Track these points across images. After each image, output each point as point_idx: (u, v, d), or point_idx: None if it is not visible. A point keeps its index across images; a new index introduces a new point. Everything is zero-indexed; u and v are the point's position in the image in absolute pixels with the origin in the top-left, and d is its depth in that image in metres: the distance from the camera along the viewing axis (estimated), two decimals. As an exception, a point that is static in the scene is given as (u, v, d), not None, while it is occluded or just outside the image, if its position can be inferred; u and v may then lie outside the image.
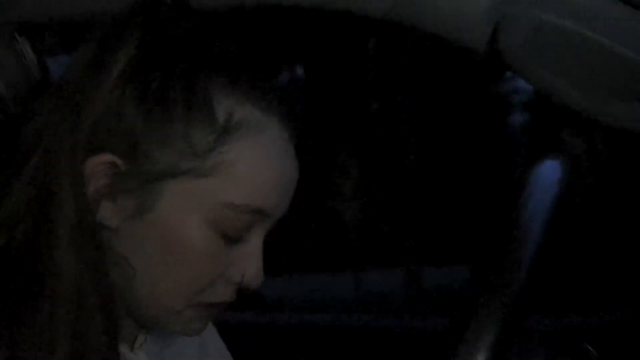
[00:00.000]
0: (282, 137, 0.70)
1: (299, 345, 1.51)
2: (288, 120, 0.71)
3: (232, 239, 0.69)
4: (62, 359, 0.63)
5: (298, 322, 1.55)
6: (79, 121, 0.67)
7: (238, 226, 0.68)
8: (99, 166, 0.67)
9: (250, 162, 0.68)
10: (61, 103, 0.68)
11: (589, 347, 0.91)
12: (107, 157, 0.67)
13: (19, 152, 0.68)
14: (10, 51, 1.00)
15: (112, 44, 0.68)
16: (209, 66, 0.69)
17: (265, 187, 0.68)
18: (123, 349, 0.73)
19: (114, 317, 0.68)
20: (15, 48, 1.00)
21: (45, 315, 0.64)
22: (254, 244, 0.71)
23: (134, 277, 0.68)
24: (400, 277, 4.92)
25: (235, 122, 0.67)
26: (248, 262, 0.70)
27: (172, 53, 0.68)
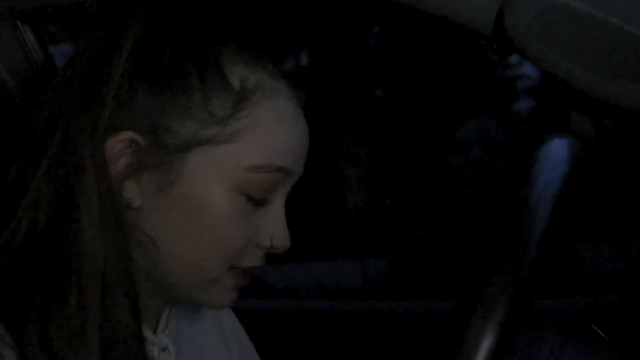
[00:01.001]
0: (292, 99, 0.73)
1: (308, 331, 1.51)
2: (294, 85, 0.73)
3: (257, 202, 0.71)
4: (92, 342, 0.63)
5: (306, 308, 1.55)
6: (95, 103, 0.67)
7: (262, 188, 0.70)
8: (119, 145, 0.68)
9: (268, 124, 0.70)
10: (75, 88, 0.68)
11: (598, 330, 0.91)
12: (127, 134, 0.68)
13: (34, 139, 0.68)
14: (13, 39, 1.00)
15: (118, 25, 0.68)
16: (217, 36, 0.70)
17: (284, 146, 0.71)
18: (146, 332, 0.73)
19: (138, 299, 0.68)
20: (18, 36, 1.00)
21: (74, 299, 0.64)
22: (278, 207, 0.73)
23: (164, 251, 0.69)
24: (405, 264, 4.92)
25: (250, 87, 0.69)
26: (275, 225, 0.72)
27: (179, 26, 0.69)
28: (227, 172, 0.69)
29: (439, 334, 0.66)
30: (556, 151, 0.70)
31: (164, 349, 0.76)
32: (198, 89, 0.68)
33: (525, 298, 0.67)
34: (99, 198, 0.66)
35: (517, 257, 0.66)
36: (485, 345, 0.66)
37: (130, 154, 0.68)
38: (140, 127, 0.68)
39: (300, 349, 1.49)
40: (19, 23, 0.99)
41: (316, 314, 1.52)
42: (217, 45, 0.69)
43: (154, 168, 0.68)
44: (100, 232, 0.66)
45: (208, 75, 0.68)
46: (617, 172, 0.97)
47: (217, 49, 0.69)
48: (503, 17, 0.77)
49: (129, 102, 0.68)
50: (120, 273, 0.66)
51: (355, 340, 1.47)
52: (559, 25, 0.74)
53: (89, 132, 0.67)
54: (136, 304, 0.68)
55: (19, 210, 0.66)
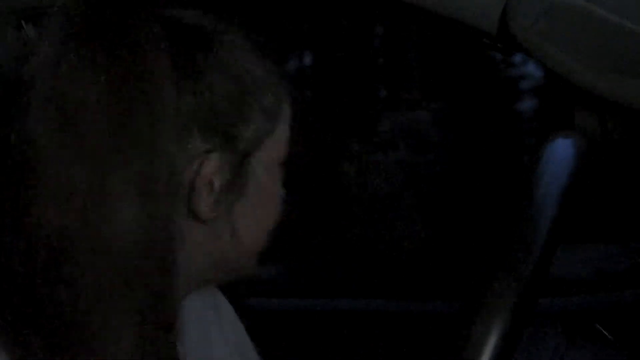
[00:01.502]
0: None
1: (309, 329, 1.51)
2: None
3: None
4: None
5: (307, 306, 1.55)
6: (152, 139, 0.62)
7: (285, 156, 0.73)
8: (210, 170, 0.66)
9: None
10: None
11: (602, 329, 0.90)
12: (215, 157, 0.66)
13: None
14: (17, 39, 1.00)
15: (140, 51, 0.62)
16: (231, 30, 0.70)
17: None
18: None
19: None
20: (22, 36, 1.00)
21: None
22: None
23: (236, 239, 0.70)
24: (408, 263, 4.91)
25: (278, 77, 0.71)
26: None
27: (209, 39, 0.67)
28: (279, 152, 0.72)
29: (443, 334, 0.66)
30: (561, 150, 0.70)
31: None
32: (252, 89, 0.68)
33: (529, 297, 0.67)
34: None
35: (522, 256, 0.66)
36: (490, 344, 0.66)
37: (216, 175, 0.66)
38: (218, 145, 0.66)
39: (301, 348, 1.49)
40: (23, 23, 0.99)
41: (317, 313, 1.52)
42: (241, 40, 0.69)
43: (234, 179, 0.68)
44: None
45: (256, 74, 0.69)
46: (622, 171, 0.97)
47: (241, 45, 0.69)
48: (507, 15, 0.77)
49: (206, 120, 0.65)
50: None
51: (359, 340, 1.47)
52: (563, 23, 0.74)
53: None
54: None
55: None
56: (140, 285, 0.61)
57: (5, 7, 0.96)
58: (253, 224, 0.71)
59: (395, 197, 1.62)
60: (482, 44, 0.86)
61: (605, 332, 0.90)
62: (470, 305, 0.67)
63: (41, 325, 0.59)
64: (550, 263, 0.69)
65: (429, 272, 1.59)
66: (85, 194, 0.59)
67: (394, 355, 1.44)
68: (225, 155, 0.67)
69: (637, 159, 0.89)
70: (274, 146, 0.71)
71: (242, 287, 0.76)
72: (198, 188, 0.65)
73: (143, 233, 0.60)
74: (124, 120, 0.60)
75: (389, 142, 1.65)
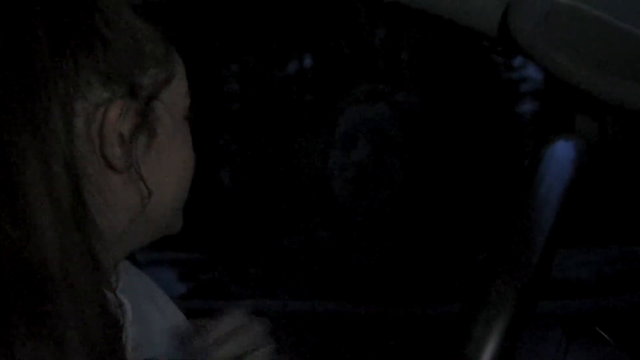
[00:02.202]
0: None
1: (309, 332, 1.51)
2: None
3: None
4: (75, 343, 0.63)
5: (308, 309, 1.55)
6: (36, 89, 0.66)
7: (189, 109, 0.78)
8: (114, 116, 0.70)
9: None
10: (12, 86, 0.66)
11: (602, 332, 0.90)
12: (118, 104, 0.70)
13: None
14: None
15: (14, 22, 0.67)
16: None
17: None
18: (108, 294, 0.72)
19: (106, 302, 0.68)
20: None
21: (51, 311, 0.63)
22: None
23: (157, 193, 0.73)
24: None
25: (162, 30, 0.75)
26: None
27: None
28: (180, 103, 0.76)
29: (443, 337, 0.66)
30: (561, 152, 0.70)
31: (121, 306, 0.76)
32: (141, 41, 0.72)
33: (529, 300, 0.67)
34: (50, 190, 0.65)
35: (522, 259, 0.66)
36: (489, 347, 0.66)
37: (123, 121, 0.70)
38: (120, 92, 0.70)
39: (299, 351, 1.49)
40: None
41: (316, 316, 1.52)
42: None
43: (141, 125, 0.72)
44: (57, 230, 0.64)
45: (143, 29, 0.73)
46: (622, 174, 0.97)
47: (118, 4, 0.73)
48: (508, 18, 0.77)
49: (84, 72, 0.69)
50: (90, 275, 0.65)
51: (359, 342, 1.47)
52: (564, 27, 0.74)
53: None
54: (106, 306, 0.68)
55: None
56: (68, 244, 0.64)
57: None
58: (167, 175, 0.75)
59: (394, 197, 1.61)
60: (482, 47, 0.86)
61: (605, 335, 0.90)
62: (470, 308, 0.67)
63: None
64: (551, 265, 0.69)
65: (430, 274, 1.59)
66: None
67: (394, 358, 1.44)
68: (128, 102, 0.71)
69: (637, 162, 0.89)
70: (175, 96, 0.75)
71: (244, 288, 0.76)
72: (108, 136, 0.69)
73: (58, 189, 0.64)
74: (9, 91, 0.65)
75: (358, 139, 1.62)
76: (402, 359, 1.42)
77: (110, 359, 0.66)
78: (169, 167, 0.75)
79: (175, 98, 0.75)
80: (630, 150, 0.86)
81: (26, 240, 0.63)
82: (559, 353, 0.79)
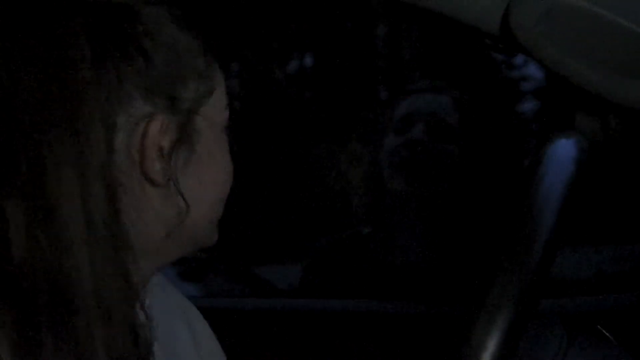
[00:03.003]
0: None
1: (311, 330, 1.51)
2: None
3: None
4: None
5: (309, 307, 1.55)
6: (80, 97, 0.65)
7: (226, 123, 0.77)
8: (155, 131, 0.69)
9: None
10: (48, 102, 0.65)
11: (603, 330, 0.90)
12: (159, 118, 0.69)
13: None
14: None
15: (57, 34, 0.66)
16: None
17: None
18: (138, 309, 0.72)
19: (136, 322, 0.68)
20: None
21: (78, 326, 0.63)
22: None
23: (193, 206, 0.72)
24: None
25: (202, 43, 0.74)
26: None
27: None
28: (219, 116, 0.75)
29: (444, 336, 0.65)
30: (563, 150, 0.70)
31: (150, 321, 0.75)
32: (183, 53, 0.71)
33: (531, 298, 0.66)
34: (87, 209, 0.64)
35: (523, 257, 0.66)
36: (491, 345, 0.66)
37: (164, 135, 0.69)
38: (161, 106, 0.69)
39: (296, 348, 1.49)
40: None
41: (315, 313, 1.52)
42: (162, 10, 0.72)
43: (181, 139, 0.71)
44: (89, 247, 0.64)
45: (184, 40, 0.72)
46: (623, 172, 0.97)
47: (163, 15, 0.72)
48: (509, 16, 0.77)
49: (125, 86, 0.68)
50: (120, 294, 0.65)
51: (359, 341, 1.47)
52: (565, 24, 0.74)
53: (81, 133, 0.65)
54: (135, 323, 0.67)
55: None
56: (99, 259, 0.64)
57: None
58: (205, 190, 0.74)
59: (395, 198, 1.61)
60: (483, 45, 0.86)
61: (606, 334, 0.89)
62: (472, 307, 0.67)
63: (22, 303, 0.62)
64: (552, 264, 0.69)
65: (430, 273, 1.59)
66: (28, 180, 0.63)
67: (395, 357, 1.43)
68: (170, 116, 0.70)
69: (637, 161, 0.89)
70: (215, 109, 0.74)
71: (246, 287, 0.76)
72: (148, 151, 0.68)
73: (94, 205, 0.64)
74: (50, 101, 0.64)
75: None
76: (404, 358, 1.42)
77: None
78: (207, 181, 0.74)
79: (214, 112, 0.74)
80: (631, 148, 0.86)
81: (58, 253, 0.63)
82: (559, 351, 0.79)
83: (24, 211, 0.62)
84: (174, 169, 0.70)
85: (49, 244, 0.62)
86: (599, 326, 0.90)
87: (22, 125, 0.63)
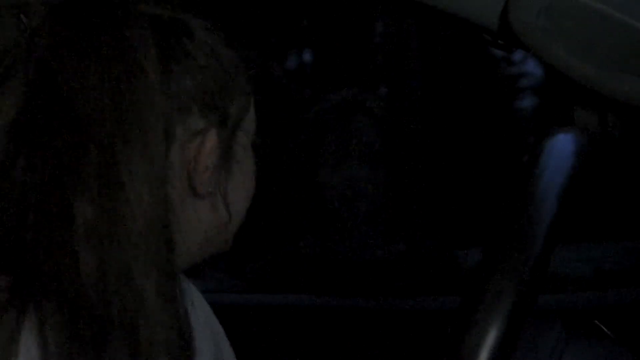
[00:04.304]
0: None
1: (310, 326, 1.51)
2: None
3: None
4: None
5: (308, 303, 1.55)
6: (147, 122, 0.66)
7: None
8: (208, 147, 0.70)
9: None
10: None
11: (601, 326, 0.90)
12: (213, 133, 0.70)
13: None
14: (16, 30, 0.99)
15: (127, 43, 0.66)
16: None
17: None
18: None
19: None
20: (21, 27, 0.99)
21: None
22: None
23: (230, 222, 0.74)
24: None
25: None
26: None
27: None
28: (251, 130, 0.76)
29: (442, 331, 0.66)
30: (561, 145, 0.70)
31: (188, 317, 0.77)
32: (230, 69, 0.73)
33: (529, 294, 0.67)
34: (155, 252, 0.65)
35: (521, 253, 0.66)
36: (489, 341, 0.66)
37: (215, 151, 0.71)
38: (215, 122, 0.71)
39: (295, 345, 1.49)
40: (22, 16, 0.99)
41: (311, 310, 1.52)
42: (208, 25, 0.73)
43: (227, 154, 0.73)
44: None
45: (230, 56, 0.73)
46: (622, 169, 0.97)
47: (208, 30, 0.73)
48: (508, 11, 0.77)
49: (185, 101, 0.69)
50: (168, 287, 0.66)
51: (358, 336, 1.47)
52: (565, 20, 0.74)
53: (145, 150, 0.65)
54: (180, 316, 0.68)
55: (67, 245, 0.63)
56: (150, 262, 0.65)
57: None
58: (242, 200, 0.76)
59: (392, 191, 1.61)
60: (482, 40, 0.86)
61: (604, 329, 0.90)
62: (470, 302, 0.67)
63: (66, 296, 0.63)
64: (550, 260, 0.69)
65: (427, 268, 1.59)
66: (98, 181, 0.63)
67: (392, 352, 1.44)
68: (220, 132, 0.71)
69: (637, 157, 0.89)
70: (250, 122, 0.76)
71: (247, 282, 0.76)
72: (200, 164, 0.70)
73: (153, 212, 0.64)
74: (121, 107, 0.64)
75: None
76: (401, 353, 1.42)
77: None
78: (243, 191, 0.76)
79: (250, 125, 0.76)
80: (630, 145, 0.86)
81: (120, 252, 0.64)
82: (558, 346, 0.79)
83: (92, 210, 0.63)
84: (222, 182, 0.72)
85: (111, 243, 0.63)
86: (596, 321, 0.90)
87: (91, 125, 0.63)
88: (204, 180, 0.70)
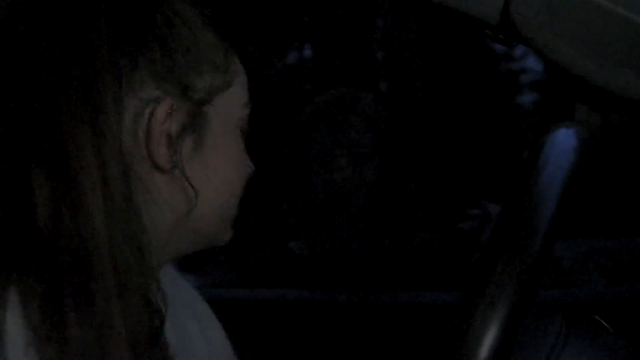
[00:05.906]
0: None
1: (310, 320, 1.51)
2: None
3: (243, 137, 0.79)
4: (120, 342, 0.65)
5: (308, 297, 1.56)
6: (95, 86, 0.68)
7: (246, 122, 0.78)
8: (163, 114, 0.71)
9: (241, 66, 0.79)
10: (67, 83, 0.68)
11: (601, 320, 0.90)
12: (167, 101, 0.71)
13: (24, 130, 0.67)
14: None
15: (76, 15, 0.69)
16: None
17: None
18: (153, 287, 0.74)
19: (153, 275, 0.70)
20: None
21: (93, 307, 0.65)
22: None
23: (201, 199, 0.73)
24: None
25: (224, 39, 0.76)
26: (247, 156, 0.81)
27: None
28: (234, 113, 0.76)
29: (443, 326, 0.66)
30: (563, 140, 0.70)
31: (164, 301, 0.77)
32: (201, 45, 0.73)
33: (530, 289, 0.67)
34: (105, 182, 0.67)
35: (522, 248, 0.66)
36: (490, 336, 0.66)
37: (171, 120, 0.71)
38: (171, 92, 0.71)
39: (295, 340, 1.49)
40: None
41: (313, 304, 1.52)
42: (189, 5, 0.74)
43: (189, 127, 0.72)
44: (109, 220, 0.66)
45: (205, 34, 0.74)
46: (622, 164, 0.97)
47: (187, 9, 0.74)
48: (509, 6, 0.77)
49: (138, 71, 0.70)
50: (135, 265, 0.67)
51: (360, 331, 1.47)
52: (566, 14, 0.74)
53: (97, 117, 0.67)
54: (149, 296, 0.69)
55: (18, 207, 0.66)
56: (117, 227, 0.67)
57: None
58: (213, 182, 0.75)
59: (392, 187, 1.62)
60: (483, 35, 0.86)
61: (605, 324, 0.90)
62: (470, 297, 0.67)
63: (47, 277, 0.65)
64: (551, 255, 0.69)
65: (428, 263, 1.60)
66: (49, 148, 0.66)
67: (394, 346, 1.44)
68: (179, 102, 0.72)
69: (637, 153, 0.89)
70: (231, 105, 0.76)
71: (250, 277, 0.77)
72: (154, 134, 0.70)
73: (113, 184, 0.67)
74: (69, 79, 0.67)
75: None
76: (400, 348, 1.42)
77: (152, 347, 0.68)
78: (214, 173, 0.75)
79: (230, 107, 0.76)
80: (631, 141, 0.86)
81: (78, 220, 0.65)
82: (558, 341, 0.79)
83: (47, 180, 0.65)
84: (180, 155, 0.72)
85: (70, 211, 0.65)
86: (597, 316, 0.90)
87: (44, 101, 0.66)
88: (161, 151, 0.71)
